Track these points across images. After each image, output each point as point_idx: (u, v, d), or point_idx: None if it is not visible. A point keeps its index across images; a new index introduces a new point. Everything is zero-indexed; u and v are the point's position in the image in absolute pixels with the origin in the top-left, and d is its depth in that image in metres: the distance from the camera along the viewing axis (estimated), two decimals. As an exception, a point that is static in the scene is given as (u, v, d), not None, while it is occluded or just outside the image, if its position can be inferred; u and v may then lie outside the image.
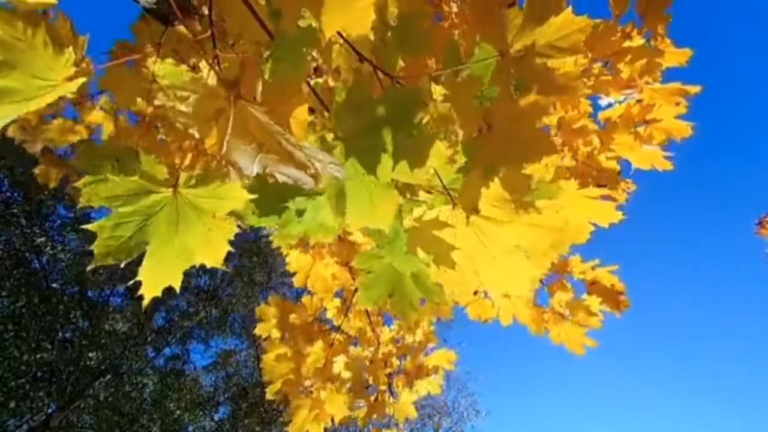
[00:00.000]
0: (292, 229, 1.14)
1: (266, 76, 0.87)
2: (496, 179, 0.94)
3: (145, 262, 0.87)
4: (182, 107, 0.74)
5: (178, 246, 0.89)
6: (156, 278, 0.88)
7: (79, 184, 0.85)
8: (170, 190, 0.87)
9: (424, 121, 1.01)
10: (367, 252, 1.20)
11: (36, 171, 2.06)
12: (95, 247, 0.82)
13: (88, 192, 0.82)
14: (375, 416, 1.95)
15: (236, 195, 0.87)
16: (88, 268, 0.90)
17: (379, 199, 0.92)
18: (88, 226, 0.82)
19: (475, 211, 0.97)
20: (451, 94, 0.96)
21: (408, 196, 1.06)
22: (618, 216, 1.74)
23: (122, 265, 0.87)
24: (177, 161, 1.72)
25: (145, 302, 0.88)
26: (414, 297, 1.20)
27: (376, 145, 0.86)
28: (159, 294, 0.88)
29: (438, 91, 0.99)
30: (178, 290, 0.89)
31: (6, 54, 0.67)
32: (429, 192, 1.06)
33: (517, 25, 0.94)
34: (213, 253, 0.90)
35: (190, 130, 0.76)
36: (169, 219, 0.88)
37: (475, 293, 2.07)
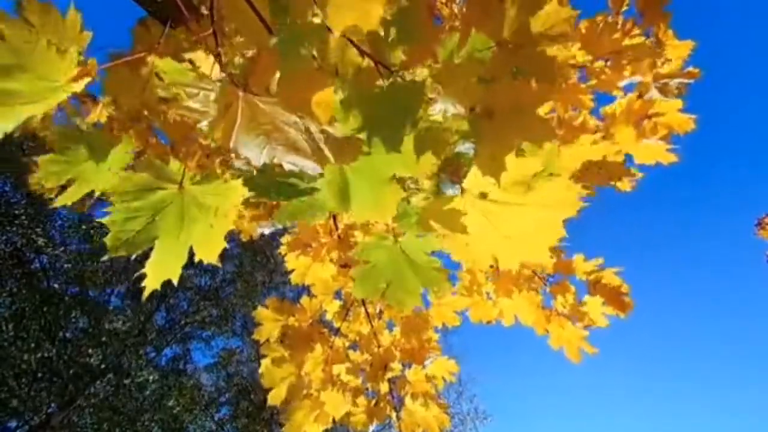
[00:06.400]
0: (282, 213, 1.14)
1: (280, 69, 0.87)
2: (506, 162, 0.94)
3: (153, 256, 0.90)
4: (191, 104, 0.75)
5: (182, 241, 0.91)
6: (159, 272, 0.90)
7: (39, 159, 0.84)
8: (176, 186, 0.90)
9: (427, 113, 1.01)
10: (366, 242, 1.18)
11: (30, 179, 1.98)
12: (107, 240, 0.85)
13: (45, 170, 0.82)
14: (376, 421, 1.91)
15: (238, 192, 0.90)
16: (102, 259, 0.92)
17: (381, 192, 0.93)
18: (101, 220, 0.85)
19: (483, 195, 0.98)
20: (452, 82, 0.97)
21: (411, 187, 1.06)
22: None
23: (132, 257, 0.89)
24: (180, 158, 1.71)
25: (146, 294, 0.89)
26: (413, 285, 1.17)
27: (380, 140, 0.86)
28: (158, 287, 0.90)
29: (438, 79, 0.99)
30: (176, 284, 0.92)
31: (15, 57, 0.69)
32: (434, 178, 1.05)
33: (511, 15, 0.98)
34: (210, 250, 0.92)
35: (199, 125, 0.77)
36: (176, 214, 0.91)
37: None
